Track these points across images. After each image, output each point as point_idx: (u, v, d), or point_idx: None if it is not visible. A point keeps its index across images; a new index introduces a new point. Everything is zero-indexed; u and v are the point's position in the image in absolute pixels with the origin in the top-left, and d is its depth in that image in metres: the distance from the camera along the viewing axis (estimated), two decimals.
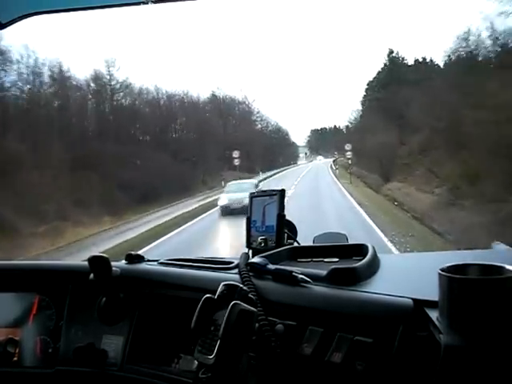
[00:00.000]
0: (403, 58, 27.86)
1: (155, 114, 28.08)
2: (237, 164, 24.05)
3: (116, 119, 24.84)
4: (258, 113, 39.20)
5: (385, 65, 28.47)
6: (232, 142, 30.44)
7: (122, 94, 25.50)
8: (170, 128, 29.10)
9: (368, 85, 31.50)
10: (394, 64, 27.99)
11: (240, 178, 26.34)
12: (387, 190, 18.02)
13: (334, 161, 40.58)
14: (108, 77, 24.20)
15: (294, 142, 48.53)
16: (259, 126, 39.64)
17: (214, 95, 33.51)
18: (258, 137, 37.58)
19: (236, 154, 24.48)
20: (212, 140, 28.50)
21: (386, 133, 22.02)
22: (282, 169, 35.93)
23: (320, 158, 51.44)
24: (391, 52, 28.53)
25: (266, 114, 48.33)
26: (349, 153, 24.61)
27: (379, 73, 29.12)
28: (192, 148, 26.91)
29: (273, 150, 39.45)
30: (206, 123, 30.53)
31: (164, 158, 22.77)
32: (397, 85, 24.51)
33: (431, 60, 25.87)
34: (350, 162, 24.80)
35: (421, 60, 26.40)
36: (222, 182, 23.24)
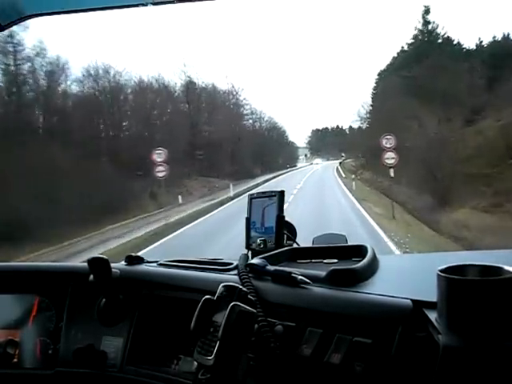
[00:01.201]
0: (431, 32, 22.28)
1: (88, 99, 19.39)
2: (161, 175, 13.52)
3: (15, 101, 16.20)
4: (247, 105, 31.87)
5: (420, 31, 22.27)
6: (209, 140, 23.69)
7: (28, 64, 16.51)
8: (109, 120, 19.80)
9: (379, 75, 27.65)
10: (430, 32, 21.79)
11: (210, 191, 19.94)
12: (461, 229, 8.65)
13: (340, 163, 34.64)
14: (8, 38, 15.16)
15: (292, 142, 42.57)
16: (250, 120, 32.59)
17: (191, 81, 25.63)
18: (249, 134, 30.99)
19: (159, 155, 13.35)
20: (179, 137, 21.20)
21: (426, 123, 14.65)
22: (269, 176, 27.34)
23: (317, 160, 43.40)
24: (427, 11, 21.84)
25: (259, 107, 41.85)
26: (391, 155, 12.50)
27: (409, 45, 23.21)
28: (144, 148, 17.96)
29: (267, 149, 32.42)
30: (173, 115, 23.47)
31: (89, 164, 14.20)
32: (438, 57, 18.43)
33: (459, 42, 22.34)
34: (392, 173, 12.88)
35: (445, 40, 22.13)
36: (179, 197, 16.61)
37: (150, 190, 17.17)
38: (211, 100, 28.20)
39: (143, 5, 1.08)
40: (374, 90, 28.77)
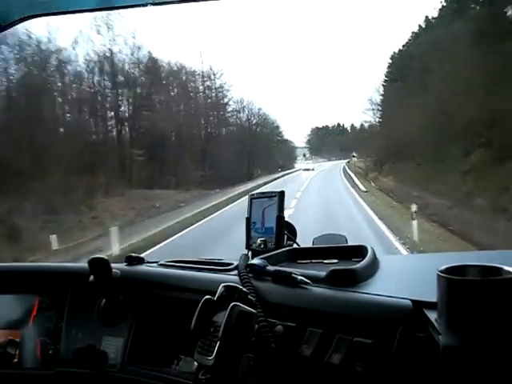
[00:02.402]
0: None
1: None
2: None
3: None
4: (228, 90, 23.41)
5: None
6: (163, 134, 15.94)
7: None
8: None
9: (390, 59, 22.57)
10: None
11: (139, 216, 11.32)
12: None
13: (348, 162, 28.21)
14: None
15: (289, 141, 35.35)
16: (233, 111, 24.57)
17: (152, 58, 18.49)
18: (231, 128, 23.74)
19: None
20: (94, 130, 14.29)
21: None
22: (237, 191, 15.69)
23: (309, 164, 30.31)
24: None
25: (248, 98, 32.71)
26: None
27: None
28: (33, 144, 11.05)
29: (257, 148, 24.78)
30: (89, 96, 14.99)
31: None
32: None
33: None
34: None
35: None
36: (52, 239, 9.06)
37: (10, 223, 8.52)
38: (178, 82, 20.26)
39: (143, 5, 1.08)
40: (387, 76, 24.10)
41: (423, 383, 0.72)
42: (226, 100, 23.82)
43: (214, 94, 23.26)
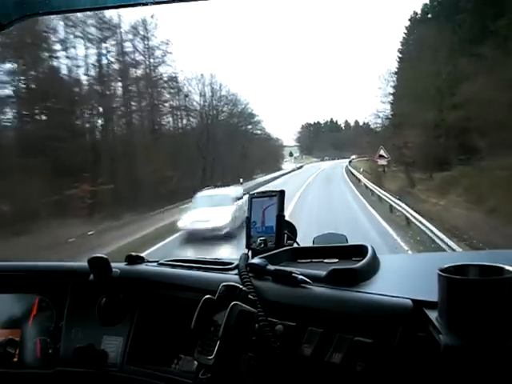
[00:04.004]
0: None
1: None
2: None
3: None
4: (167, 53, 14.51)
5: None
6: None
7: None
8: None
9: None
10: None
11: None
12: None
13: (349, 161, 23.60)
14: None
15: (274, 137, 27.63)
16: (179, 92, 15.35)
17: None
18: (179, 116, 15.10)
19: None
20: None
21: None
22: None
23: (234, 190, 11.42)
24: None
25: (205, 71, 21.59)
26: None
27: None
28: None
29: (225, 147, 16.41)
30: None
31: None
32: None
33: None
34: None
35: None
36: None
37: None
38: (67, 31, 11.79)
39: (144, 4, 1.07)
40: (405, 43, 19.22)
41: (424, 382, 0.72)
42: (166, 66, 14.24)
43: (144, 60, 13.76)
